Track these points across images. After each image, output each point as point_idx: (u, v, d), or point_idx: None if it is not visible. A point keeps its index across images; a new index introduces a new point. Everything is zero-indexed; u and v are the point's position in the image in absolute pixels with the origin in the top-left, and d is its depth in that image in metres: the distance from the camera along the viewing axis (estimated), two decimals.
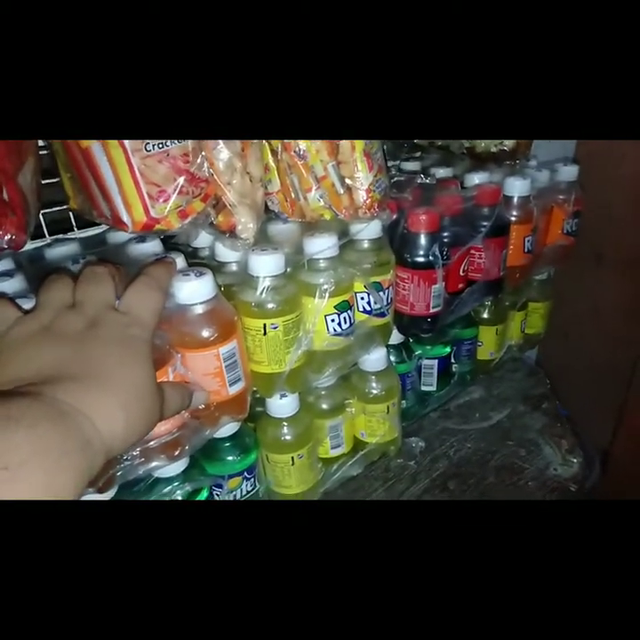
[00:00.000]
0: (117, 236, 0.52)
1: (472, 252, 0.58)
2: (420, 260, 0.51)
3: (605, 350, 0.83)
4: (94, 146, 0.37)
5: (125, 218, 0.39)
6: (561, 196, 0.67)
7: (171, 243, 0.51)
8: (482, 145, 0.66)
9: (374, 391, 0.54)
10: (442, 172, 0.67)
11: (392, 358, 0.60)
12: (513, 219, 0.61)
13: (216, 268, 0.48)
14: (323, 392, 0.53)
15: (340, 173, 0.44)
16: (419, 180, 0.56)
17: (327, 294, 0.46)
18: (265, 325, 0.42)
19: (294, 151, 0.44)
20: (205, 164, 0.41)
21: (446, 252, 0.52)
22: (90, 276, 0.33)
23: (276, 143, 0.45)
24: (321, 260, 0.46)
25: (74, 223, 0.54)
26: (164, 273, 0.36)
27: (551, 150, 0.74)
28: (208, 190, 0.42)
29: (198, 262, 0.50)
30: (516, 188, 0.60)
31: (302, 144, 0.44)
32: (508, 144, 0.65)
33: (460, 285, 0.58)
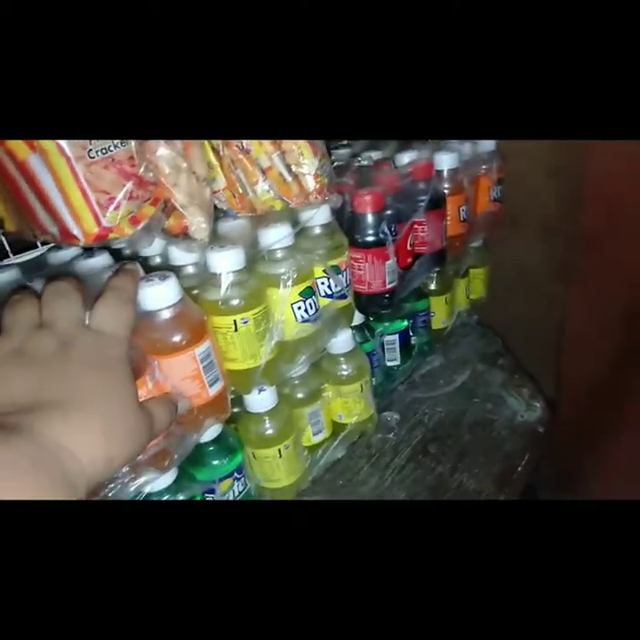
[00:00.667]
0: (59, 256, 0.49)
1: (415, 226, 0.61)
2: (371, 238, 0.53)
3: (536, 309, 0.89)
4: (32, 158, 0.35)
5: (76, 231, 0.37)
6: (484, 166, 0.71)
7: (119, 255, 0.49)
8: None
9: (346, 372, 0.56)
10: (373, 155, 0.70)
11: (357, 338, 0.61)
12: (446, 191, 0.64)
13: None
14: (297, 381, 0.53)
15: (286, 162, 0.45)
16: (356, 164, 0.57)
17: (291, 282, 0.46)
18: (235, 321, 0.42)
19: (237, 146, 0.44)
20: (150, 167, 0.40)
21: (394, 228, 0.54)
22: (55, 293, 0.31)
23: (217, 140, 0.45)
24: (279, 251, 0.46)
25: (8, 249, 0.50)
26: (131, 283, 0.35)
27: None
28: (157, 194, 0.41)
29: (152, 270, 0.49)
30: (445, 161, 0.64)
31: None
32: None
33: (409, 260, 0.60)
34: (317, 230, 0.50)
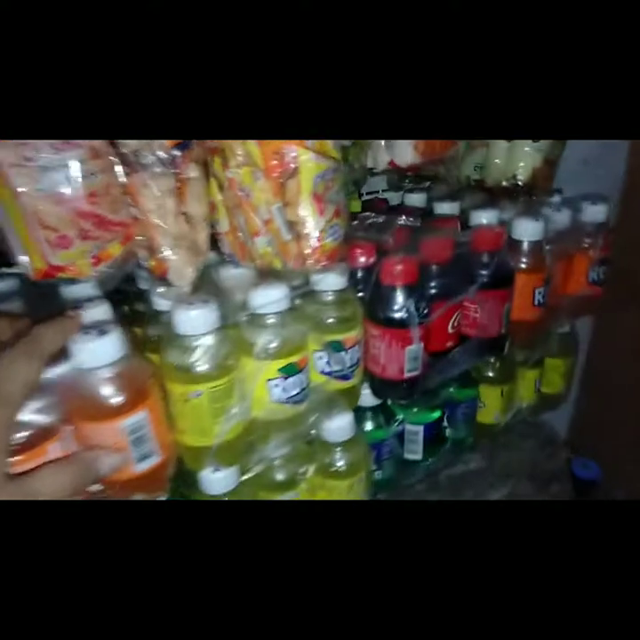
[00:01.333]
0: None
1: (466, 305, 0.49)
2: (393, 316, 0.43)
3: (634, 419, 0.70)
4: None
5: (26, 265, 0.34)
6: (586, 240, 0.57)
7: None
8: (491, 177, 0.58)
9: (337, 465, 0.47)
10: (445, 208, 0.59)
11: (367, 423, 0.52)
12: (522, 266, 0.52)
13: (153, 316, 0.42)
14: (274, 462, 0.46)
15: (287, 217, 0.37)
16: (400, 222, 0.48)
17: (270, 355, 0.39)
18: (185, 393, 0.36)
19: (238, 187, 0.38)
20: (130, 204, 0.36)
21: (425, 308, 0.44)
22: None
23: (223, 179, 0.39)
24: (267, 315, 0.39)
25: None
26: (53, 334, 0.31)
27: (580, 186, 0.64)
28: (129, 232, 0.36)
29: (139, 309, 0.45)
30: (526, 230, 0.51)
31: (246, 181, 0.37)
32: (522, 177, 0.56)
33: (449, 343, 0.49)
34: (328, 296, 0.42)
